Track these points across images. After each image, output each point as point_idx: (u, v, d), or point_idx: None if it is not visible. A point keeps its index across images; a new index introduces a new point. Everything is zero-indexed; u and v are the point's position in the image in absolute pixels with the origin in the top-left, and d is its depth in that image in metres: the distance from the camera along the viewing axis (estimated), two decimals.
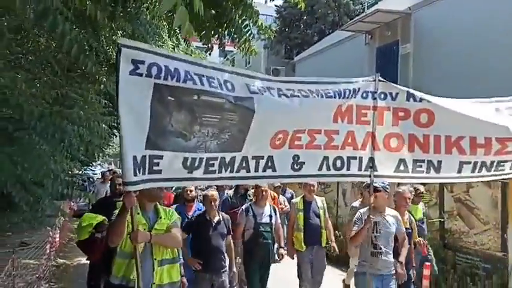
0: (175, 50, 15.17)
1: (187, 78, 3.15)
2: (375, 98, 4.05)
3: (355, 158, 4.02)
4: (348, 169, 4.00)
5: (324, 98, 3.82)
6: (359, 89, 4.02)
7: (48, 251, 6.87)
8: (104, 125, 8.13)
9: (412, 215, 5.62)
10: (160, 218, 3.66)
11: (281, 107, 3.60)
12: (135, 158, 3.00)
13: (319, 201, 6.43)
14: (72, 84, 6.46)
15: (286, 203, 8.17)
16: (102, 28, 6.46)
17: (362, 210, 4.87)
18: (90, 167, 18.25)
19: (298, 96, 3.69)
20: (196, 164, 3.27)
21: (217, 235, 5.04)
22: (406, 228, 5.07)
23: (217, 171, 3.40)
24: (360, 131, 4.01)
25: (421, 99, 4.14)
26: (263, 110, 3.45)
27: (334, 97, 3.86)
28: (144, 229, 3.49)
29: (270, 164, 3.66)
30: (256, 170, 3.59)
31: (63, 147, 5.18)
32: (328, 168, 3.93)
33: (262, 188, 5.87)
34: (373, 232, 4.58)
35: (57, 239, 8.09)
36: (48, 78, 5.13)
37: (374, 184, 4.48)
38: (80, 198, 10.45)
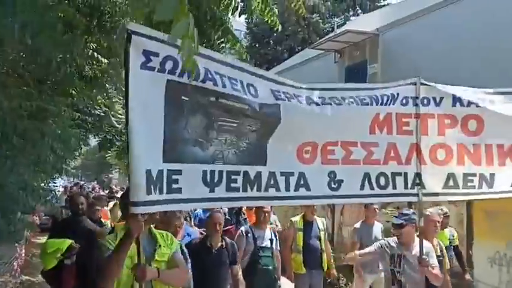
0: None
1: (207, 77, 2.68)
2: (416, 104, 3.58)
3: (399, 174, 3.47)
4: (394, 187, 3.44)
5: (360, 106, 3.40)
6: (398, 94, 3.57)
7: (15, 267, 6.64)
8: (73, 138, 7.99)
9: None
10: (160, 246, 2.93)
11: (310, 116, 3.20)
12: (149, 172, 2.46)
13: (320, 223, 5.93)
14: (44, 96, 6.35)
15: (278, 223, 7.43)
16: (75, 41, 6.42)
17: (391, 242, 4.17)
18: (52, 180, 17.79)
19: (331, 104, 3.28)
20: (216, 179, 2.75)
21: (219, 264, 4.29)
22: (437, 256, 4.37)
23: (241, 189, 2.86)
24: (402, 143, 3.51)
25: (469, 103, 3.66)
26: (290, 119, 3.02)
27: (371, 104, 3.43)
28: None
29: (302, 181, 3.11)
30: (288, 189, 3.06)
31: (37, 161, 5.08)
32: (372, 187, 3.37)
33: (265, 210, 5.33)
34: (394, 266, 4.02)
35: (23, 255, 7.84)
36: (22, 90, 5.04)
37: (397, 221, 4.04)
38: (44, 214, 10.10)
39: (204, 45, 5.04)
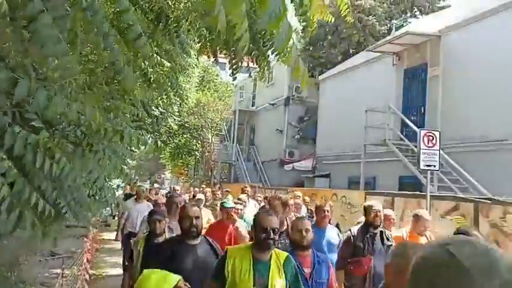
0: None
1: None
2: None
3: None
4: None
5: None
6: None
7: (85, 260, 6.93)
8: (136, 138, 8.25)
9: None
10: None
11: None
12: None
13: None
14: (112, 98, 6.61)
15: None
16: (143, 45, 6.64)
17: None
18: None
19: None
20: None
21: None
22: None
23: None
24: None
25: None
26: None
27: None
28: None
29: None
30: None
31: (114, 162, 5.23)
32: None
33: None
34: None
35: (90, 250, 8.17)
36: (96, 92, 5.25)
37: None
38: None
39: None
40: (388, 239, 5.09)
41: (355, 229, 5.17)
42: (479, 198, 8.09)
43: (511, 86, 10.44)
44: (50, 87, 3.20)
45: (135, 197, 9.09)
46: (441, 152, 10.02)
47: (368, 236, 5.01)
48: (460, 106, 11.85)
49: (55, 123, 4.20)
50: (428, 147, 8.25)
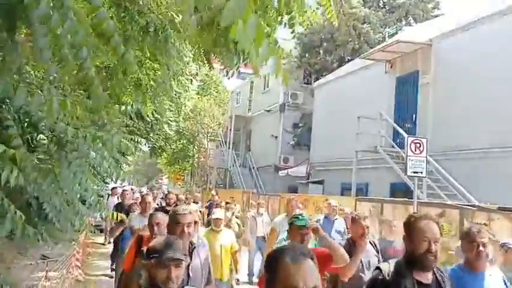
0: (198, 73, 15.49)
1: None
2: None
3: None
4: None
5: None
6: None
7: (73, 264, 7.00)
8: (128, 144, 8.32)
9: None
10: None
11: None
12: None
13: None
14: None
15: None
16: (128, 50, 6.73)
17: None
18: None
19: None
20: None
21: None
22: None
23: None
24: None
25: None
26: None
27: None
28: None
29: None
30: None
31: (98, 167, 5.29)
32: None
33: None
34: None
35: (80, 253, 8.25)
36: (82, 98, 5.34)
37: None
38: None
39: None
40: None
41: None
42: (464, 205, 8.19)
43: (498, 95, 10.58)
44: (32, 87, 3.30)
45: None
46: (431, 159, 10.16)
47: None
48: (449, 114, 11.98)
49: (39, 129, 4.28)
50: (416, 154, 8.38)
